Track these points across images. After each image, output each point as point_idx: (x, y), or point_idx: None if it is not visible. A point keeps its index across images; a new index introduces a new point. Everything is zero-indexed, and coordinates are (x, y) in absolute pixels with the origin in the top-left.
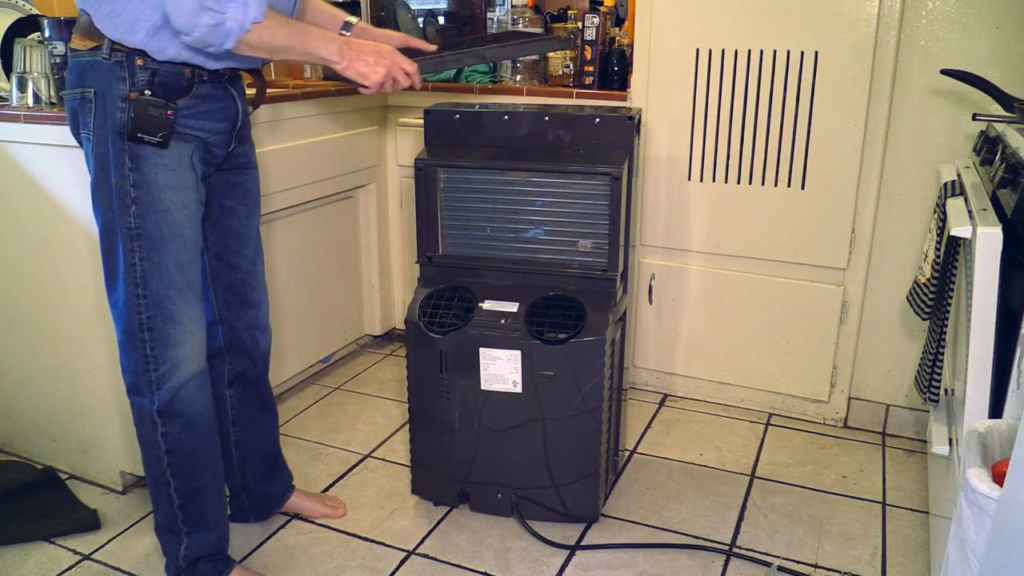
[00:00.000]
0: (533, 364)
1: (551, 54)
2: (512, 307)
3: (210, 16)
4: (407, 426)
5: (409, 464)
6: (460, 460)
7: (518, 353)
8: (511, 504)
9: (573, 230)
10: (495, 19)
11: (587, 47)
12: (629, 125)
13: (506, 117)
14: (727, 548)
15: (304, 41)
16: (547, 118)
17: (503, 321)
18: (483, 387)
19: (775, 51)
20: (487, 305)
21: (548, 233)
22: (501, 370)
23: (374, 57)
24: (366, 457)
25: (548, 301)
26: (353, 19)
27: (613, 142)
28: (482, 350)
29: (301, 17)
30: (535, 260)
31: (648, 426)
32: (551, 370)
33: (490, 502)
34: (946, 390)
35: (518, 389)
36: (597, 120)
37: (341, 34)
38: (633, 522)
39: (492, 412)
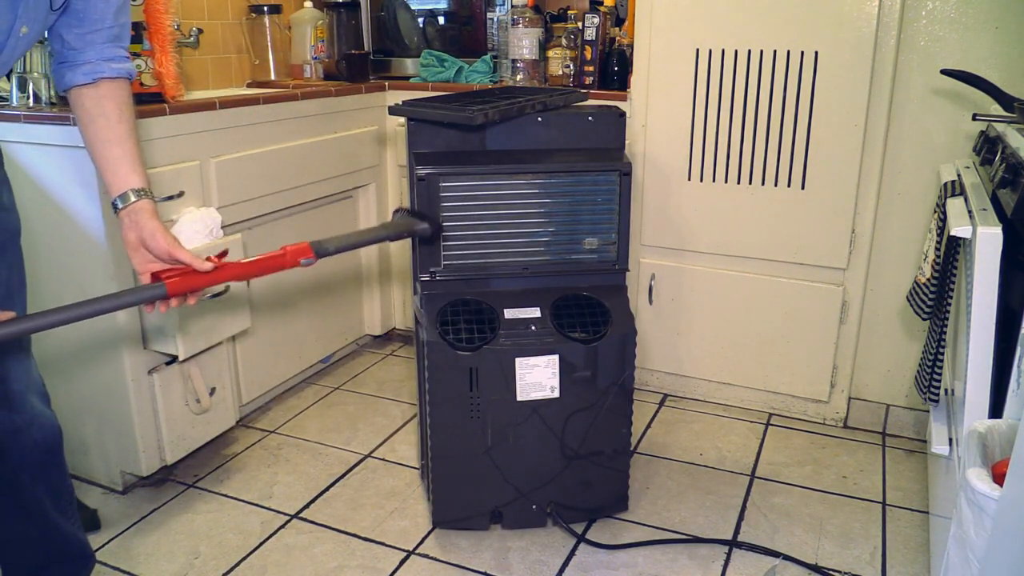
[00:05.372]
0: (569, 366)
1: (551, 54)
2: (534, 312)
3: None
4: (407, 426)
5: (416, 467)
6: (492, 480)
7: (556, 358)
8: (546, 513)
9: (580, 228)
10: (495, 19)
11: (587, 47)
12: (621, 121)
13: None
14: (728, 543)
15: None
16: (540, 119)
17: (532, 328)
18: (519, 398)
19: (775, 51)
20: (509, 313)
21: (555, 233)
22: (539, 377)
23: None
24: (366, 457)
25: (567, 302)
26: (141, 190)
27: (607, 138)
28: (518, 360)
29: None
30: (544, 262)
31: (648, 426)
32: (586, 369)
33: (525, 516)
34: (946, 390)
35: (556, 394)
36: (590, 118)
37: (114, 205)
38: (633, 522)
39: (528, 422)
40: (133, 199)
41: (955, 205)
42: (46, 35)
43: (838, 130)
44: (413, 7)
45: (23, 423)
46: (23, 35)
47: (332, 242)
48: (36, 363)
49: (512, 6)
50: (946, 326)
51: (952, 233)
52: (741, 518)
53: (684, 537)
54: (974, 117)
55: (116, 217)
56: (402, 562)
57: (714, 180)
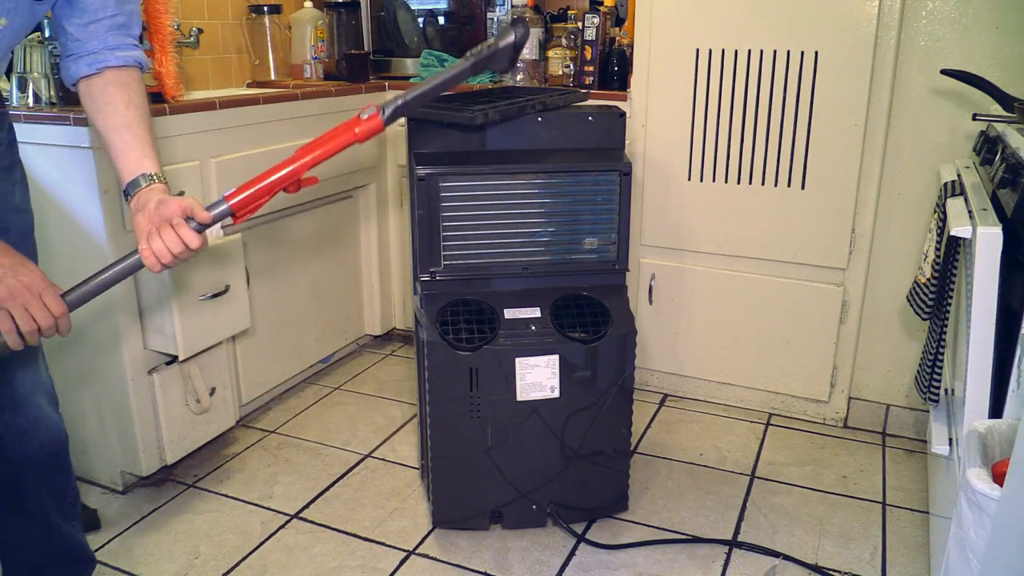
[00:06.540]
0: (569, 366)
1: (551, 54)
2: (534, 312)
3: None
4: (407, 426)
5: (416, 467)
6: (492, 480)
7: (556, 358)
8: (546, 513)
9: (580, 228)
10: (495, 19)
11: (587, 47)
12: (621, 121)
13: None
14: (728, 544)
15: None
16: (540, 119)
17: (532, 328)
18: (519, 398)
19: (775, 51)
20: (509, 313)
21: (554, 233)
22: (539, 378)
23: None
24: (366, 457)
25: (567, 302)
26: (153, 175)
27: (607, 138)
28: (518, 360)
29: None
30: (544, 262)
31: (648, 426)
32: (586, 369)
33: (525, 516)
34: (946, 390)
35: (556, 394)
36: (591, 118)
37: (125, 193)
38: (633, 522)
39: (528, 422)
40: (144, 184)
41: (955, 205)
42: (46, 33)
43: (838, 130)
44: (413, 7)
45: (28, 426)
46: (3, 28)
47: (403, 96)
48: (46, 364)
49: (512, 6)
50: (946, 326)
51: (952, 233)
52: (741, 518)
53: (684, 537)
54: (974, 117)
55: (128, 207)
56: (402, 562)
57: (714, 180)
